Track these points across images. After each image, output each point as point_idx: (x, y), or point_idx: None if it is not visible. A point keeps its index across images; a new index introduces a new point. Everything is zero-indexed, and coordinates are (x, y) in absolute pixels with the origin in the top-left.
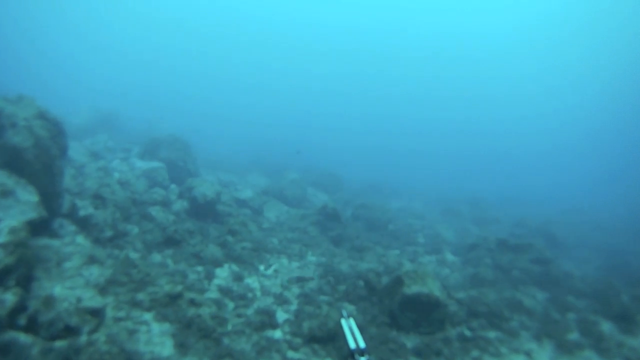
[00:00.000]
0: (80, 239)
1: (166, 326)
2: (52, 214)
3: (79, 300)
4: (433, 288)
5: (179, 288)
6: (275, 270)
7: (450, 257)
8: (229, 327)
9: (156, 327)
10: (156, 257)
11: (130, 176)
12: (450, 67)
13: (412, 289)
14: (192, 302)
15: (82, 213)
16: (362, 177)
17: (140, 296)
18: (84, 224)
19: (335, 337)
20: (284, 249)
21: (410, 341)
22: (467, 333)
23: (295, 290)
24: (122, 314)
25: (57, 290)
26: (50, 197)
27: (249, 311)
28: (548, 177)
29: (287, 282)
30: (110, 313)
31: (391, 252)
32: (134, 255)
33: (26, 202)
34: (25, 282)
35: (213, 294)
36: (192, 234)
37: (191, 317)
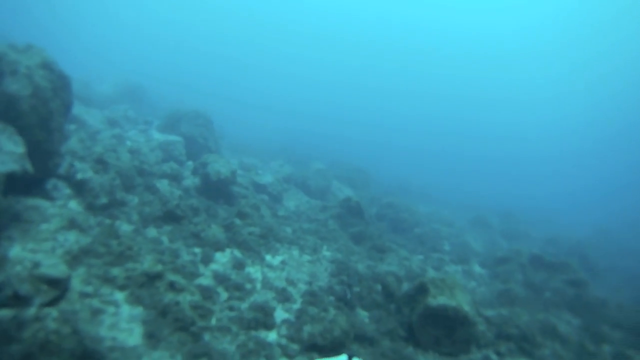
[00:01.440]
0: (74, 203)
1: (139, 310)
2: (45, 172)
3: (35, 265)
4: (462, 302)
5: (159, 267)
6: (283, 262)
7: (477, 268)
8: (213, 322)
9: (127, 309)
10: (151, 232)
11: (144, 146)
12: (479, 67)
13: (438, 300)
14: (172, 286)
15: (79, 176)
16: (391, 176)
17: (115, 271)
18: (80, 188)
19: (339, 347)
20: (297, 240)
21: None
22: (494, 358)
23: (302, 286)
24: (89, 289)
25: (15, 251)
26: (44, 154)
27: (244, 305)
28: (575, 182)
29: (295, 278)
30: (77, 286)
31: (415, 257)
32: (126, 227)
33: (9, 153)
34: None
35: (206, 280)
36: (197, 211)
37: (167, 303)
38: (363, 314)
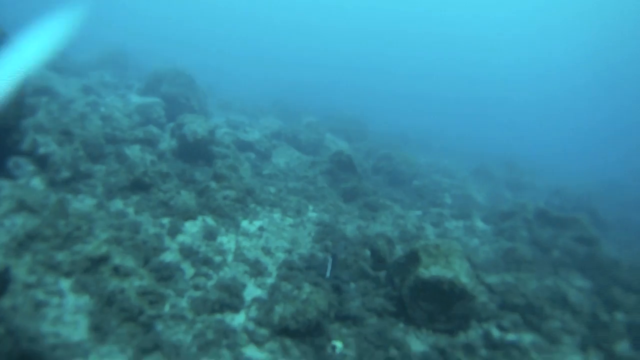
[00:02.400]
0: (37, 180)
1: (85, 299)
2: (3, 151)
3: None
4: (460, 272)
5: (103, 249)
6: (261, 228)
7: (480, 224)
8: (167, 308)
9: (72, 299)
10: (116, 204)
11: (119, 112)
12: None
13: (431, 270)
14: (116, 271)
15: (42, 150)
16: (390, 125)
17: (61, 256)
18: (44, 163)
19: (315, 331)
20: (280, 201)
21: (419, 343)
22: (496, 334)
23: (280, 255)
24: (33, 278)
25: None
26: (1, 132)
27: (210, 282)
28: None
29: (272, 246)
30: (21, 276)
31: (412, 213)
32: (89, 201)
33: None
34: None
35: (170, 255)
36: (167, 177)
37: (112, 291)
38: (348, 287)
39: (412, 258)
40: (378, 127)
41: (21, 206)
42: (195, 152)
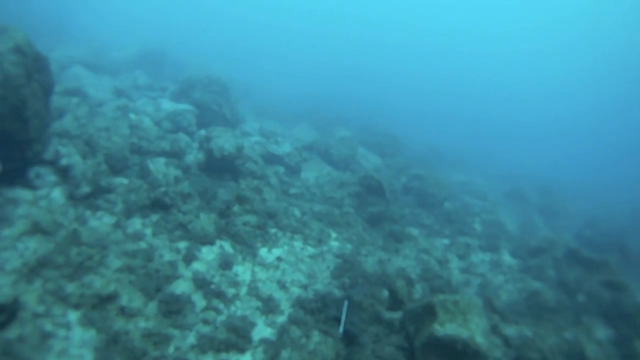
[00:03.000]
0: (57, 192)
1: (91, 334)
2: (25, 162)
3: None
4: (476, 331)
5: (111, 288)
6: (279, 258)
7: (507, 258)
8: (171, 350)
9: (78, 332)
10: (135, 224)
11: (148, 119)
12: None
13: (447, 328)
14: (122, 311)
15: (64, 162)
16: (424, 141)
17: (70, 288)
18: (65, 174)
19: None
20: (302, 227)
21: None
22: None
23: (295, 290)
24: (42, 308)
25: None
26: (21, 143)
27: (220, 317)
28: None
29: (289, 280)
30: (31, 304)
31: (438, 241)
32: (107, 219)
33: None
34: None
35: (183, 284)
36: (188, 197)
37: (117, 331)
38: (360, 334)
39: (428, 312)
40: (411, 142)
41: (36, 228)
42: (221, 167)
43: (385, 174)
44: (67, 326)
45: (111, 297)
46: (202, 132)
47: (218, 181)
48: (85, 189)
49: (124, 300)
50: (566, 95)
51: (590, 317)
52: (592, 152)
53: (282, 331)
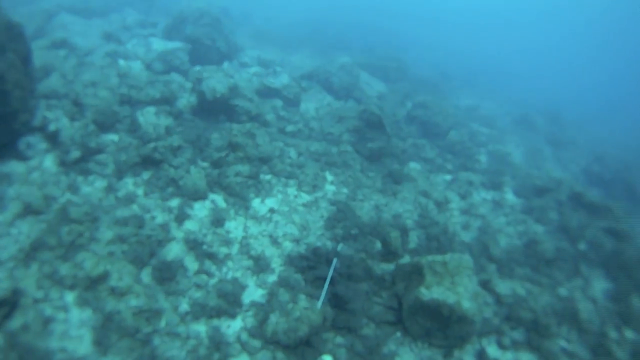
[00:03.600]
0: (49, 160)
1: (88, 313)
2: (14, 134)
3: None
4: (463, 295)
5: (100, 269)
6: (271, 210)
7: (510, 197)
8: (163, 323)
9: (76, 314)
10: (127, 185)
11: (138, 61)
12: None
13: (432, 293)
14: (113, 291)
15: (52, 127)
16: (432, 63)
17: (64, 269)
18: (55, 140)
19: (306, 345)
20: (297, 171)
21: (412, 356)
22: (493, 352)
23: (288, 245)
24: (41, 294)
25: None
26: (6, 117)
27: (212, 280)
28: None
29: (281, 234)
30: (30, 290)
31: (440, 177)
32: (99, 183)
33: None
34: None
35: (175, 247)
36: (179, 150)
37: (110, 311)
38: (349, 294)
39: (417, 273)
40: (419, 63)
41: (27, 210)
42: (215, 108)
43: (389, 100)
44: (65, 308)
45: (101, 278)
46: (197, 68)
47: (213, 123)
48: (75, 154)
49: (113, 280)
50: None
51: (589, 267)
52: (605, 77)
53: (272, 294)
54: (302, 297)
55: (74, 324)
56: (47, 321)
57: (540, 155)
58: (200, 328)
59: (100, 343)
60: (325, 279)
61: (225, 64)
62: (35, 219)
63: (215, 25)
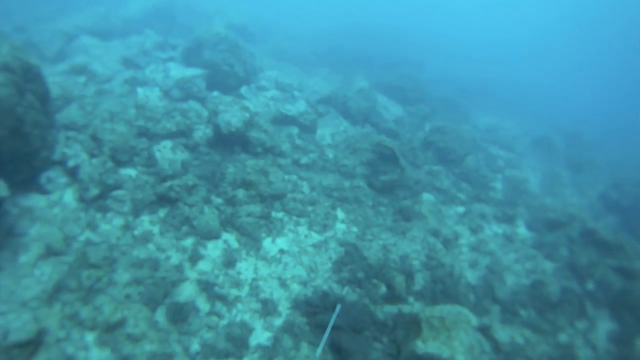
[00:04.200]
0: (69, 195)
1: (107, 353)
2: (34, 171)
3: (5, 335)
4: (458, 349)
5: (117, 316)
6: (281, 251)
7: (522, 231)
8: None
9: (96, 353)
10: (143, 223)
11: (155, 94)
12: None
13: (428, 347)
14: (129, 337)
15: (71, 163)
16: (452, 77)
17: (85, 312)
18: (74, 175)
19: None
20: (310, 207)
21: None
22: None
23: (295, 287)
24: (63, 333)
25: None
26: (26, 156)
27: (222, 322)
28: None
29: (289, 276)
30: (53, 329)
31: (452, 210)
32: (117, 221)
33: None
34: None
35: (188, 288)
36: (194, 189)
37: (126, 354)
38: (350, 341)
39: (415, 324)
40: (438, 78)
41: (49, 251)
42: (230, 140)
43: (407, 124)
44: (86, 348)
45: (119, 324)
46: (215, 93)
47: (228, 155)
48: (94, 192)
49: (130, 327)
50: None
51: (596, 307)
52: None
53: (277, 339)
54: (305, 344)
55: None
56: (69, 359)
57: (558, 180)
58: None
59: None
60: (327, 326)
61: (243, 89)
62: (56, 260)
63: (233, 51)
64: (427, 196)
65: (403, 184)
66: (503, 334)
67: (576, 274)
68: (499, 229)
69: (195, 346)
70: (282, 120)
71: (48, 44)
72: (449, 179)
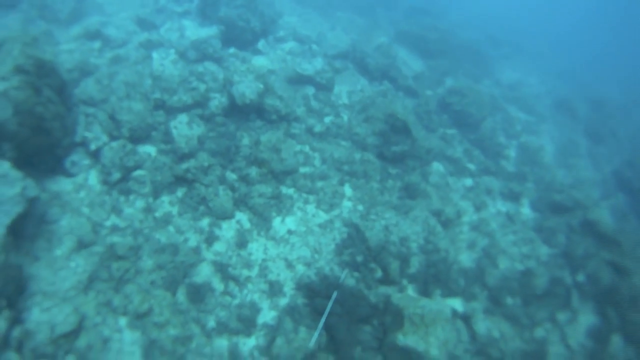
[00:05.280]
0: (93, 177)
1: (137, 334)
2: (59, 158)
3: (52, 328)
4: (433, 344)
5: (145, 307)
6: (289, 231)
7: (526, 211)
8: (194, 345)
9: (128, 334)
10: (164, 204)
11: (170, 55)
12: None
13: (407, 339)
14: (156, 325)
15: (92, 146)
16: (481, 21)
17: (116, 301)
18: (96, 157)
19: None
20: (319, 182)
21: None
22: None
23: (300, 268)
24: (99, 319)
25: (35, 315)
26: (51, 149)
27: (235, 301)
28: None
29: (295, 257)
30: (90, 314)
31: (460, 183)
32: (139, 203)
33: (8, 199)
34: (17, 294)
35: (205, 269)
36: (209, 169)
37: (153, 339)
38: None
39: (399, 317)
40: (467, 22)
41: (80, 244)
42: (245, 110)
43: (426, 79)
44: (120, 330)
45: (146, 314)
46: (231, 50)
47: (244, 122)
48: (116, 176)
49: (156, 316)
50: None
51: (582, 300)
52: None
53: (280, 319)
54: (303, 329)
55: (127, 343)
56: (106, 340)
57: (575, 150)
58: (223, 343)
59: (148, 358)
60: (324, 311)
61: (260, 43)
62: (88, 252)
63: (249, 6)
64: (436, 166)
65: (414, 154)
66: (482, 325)
67: (570, 263)
68: (503, 206)
69: (211, 323)
70: (299, 79)
71: (61, 5)
72: (462, 146)
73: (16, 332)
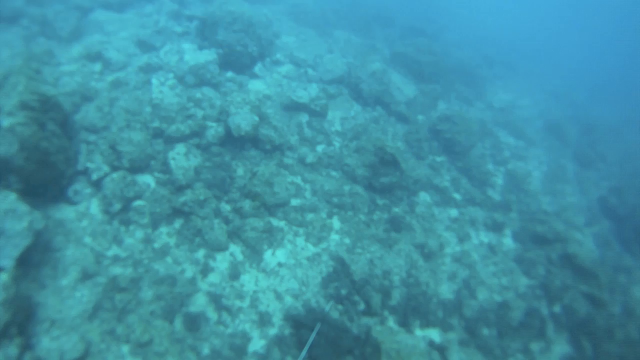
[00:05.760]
0: (94, 206)
1: None
2: (62, 189)
3: (61, 356)
4: None
5: (146, 337)
6: (279, 264)
7: (508, 242)
8: None
9: None
10: (162, 235)
11: (167, 83)
12: None
13: None
14: (156, 354)
15: (94, 177)
16: (477, 39)
17: (119, 330)
18: (98, 186)
19: None
20: (309, 215)
21: None
22: None
23: (289, 300)
24: (104, 345)
25: (45, 343)
26: (55, 180)
27: (228, 330)
28: None
29: (284, 289)
30: (95, 342)
31: (445, 214)
32: (139, 234)
33: (15, 234)
34: (26, 323)
35: (200, 299)
36: (205, 202)
37: None
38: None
39: (377, 349)
40: (461, 40)
41: (85, 275)
42: (240, 140)
43: (419, 104)
44: (123, 357)
45: (147, 344)
46: (229, 75)
47: (239, 151)
48: (117, 206)
49: (156, 346)
50: None
51: (557, 330)
52: None
53: (268, 349)
54: (289, 359)
55: None
56: None
57: (563, 175)
58: None
59: None
60: (307, 341)
61: (257, 67)
62: (92, 283)
63: (247, 31)
64: (423, 196)
65: (402, 184)
66: (456, 357)
67: (547, 294)
68: (485, 237)
69: (205, 350)
70: (294, 107)
71: (62, 23)
72: (450, 174)
73: (27, 359)
